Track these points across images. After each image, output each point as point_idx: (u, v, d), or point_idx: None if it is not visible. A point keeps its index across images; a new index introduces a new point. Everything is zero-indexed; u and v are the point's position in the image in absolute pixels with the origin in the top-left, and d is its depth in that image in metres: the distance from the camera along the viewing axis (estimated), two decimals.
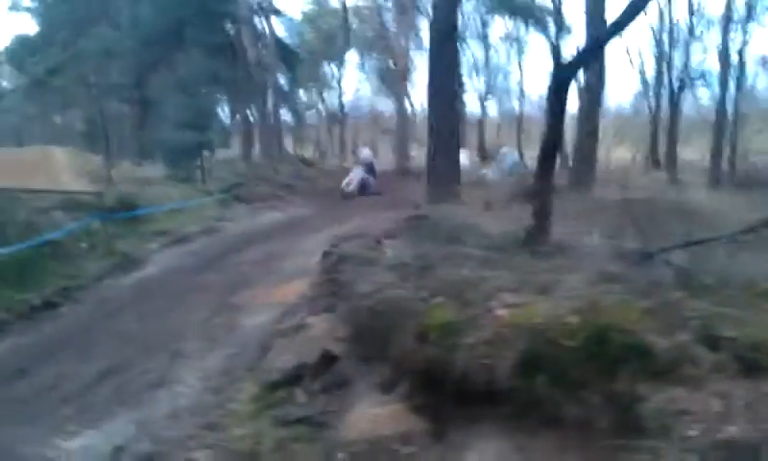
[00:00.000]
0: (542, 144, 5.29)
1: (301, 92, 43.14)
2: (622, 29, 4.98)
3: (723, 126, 22.27)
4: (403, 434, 3.59)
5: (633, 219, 4.87)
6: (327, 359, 4.57)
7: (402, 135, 28.98)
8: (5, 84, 45.80)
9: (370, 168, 21.85)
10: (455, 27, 10.19)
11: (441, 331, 3.53)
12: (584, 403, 2.95)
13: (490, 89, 36.92)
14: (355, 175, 20.96)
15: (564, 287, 3.53)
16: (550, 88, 5.15)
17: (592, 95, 13.52)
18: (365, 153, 24.20)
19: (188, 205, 13.88)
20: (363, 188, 20.61)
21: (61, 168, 16.66)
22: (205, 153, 18.89)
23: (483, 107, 37.39)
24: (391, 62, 36.03)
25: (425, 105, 35.02)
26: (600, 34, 4.72)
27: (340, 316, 5.02)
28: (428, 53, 10.97)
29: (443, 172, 9.32)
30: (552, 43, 6.82)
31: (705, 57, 27.42)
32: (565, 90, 5.32)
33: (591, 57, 5.08)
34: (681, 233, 4.90)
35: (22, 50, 34.09)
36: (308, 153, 39.91)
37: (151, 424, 4.50)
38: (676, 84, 27.57)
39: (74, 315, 7.54)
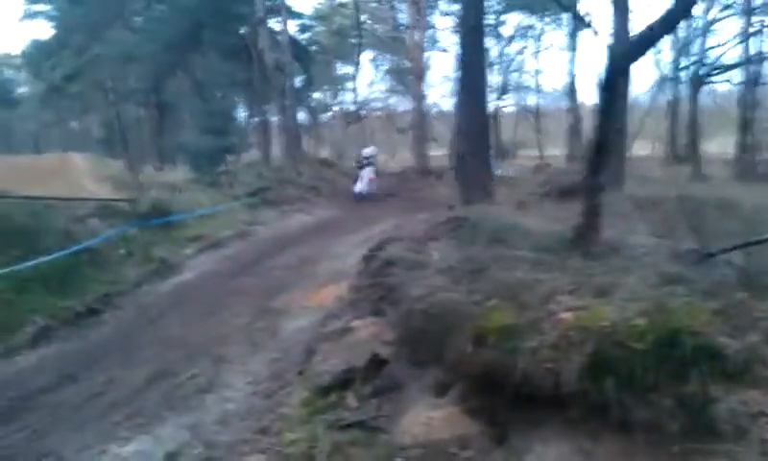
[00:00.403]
0: (593, 139, 5.23)
1: (317, 93, 43.37)
2: (679, 18, 4.88)
3: (747, 117, 21.98)
4: (460, 438, 3.60)
5: (686, 217, 4.83)
6: (377, 363, 4.57)
7: (420, 135, 28.93)
8: (22, 90, 46.39)
9: (370, 165, 21.42)
10: (482, 22, 10.09)
11: (500, 335, 3.53)
12: (653, 407, 2.95)
13: (505, 85, 36.82)
14: (366, 174, 20.73)
15: (625, 289, 3.53)
16: (602, 82, 5.09)
17: (619, 89, 13.33)
18: (365, 150, 23.26)
19: (218, 209, 13.97)
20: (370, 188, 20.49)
21: (82, 174, 16.80)
22: (230, 157, 18.95)
23: (498, 102, 37.35)
24: (405, 61, 36.10)
25: (441, 103, 35.32)
26: (654, 25, 4.61)
27: (389, 319, 5.03)
28: (458, 49, 10.88)
29: (473, 172, 9.24)
30: (600, 36, 6.63)
31: (723, 46, 26.98)
32: (618, 84, 5.29)
33: (646, 49, 4.97)
34: (729, 230, 4.85)
35: (38, 54, 34.40)
36: (325, 153, 40.02)
37: (202, 429, 4.56)
38: (695, 76, 27.31)
39: (116, 321, 7.65)
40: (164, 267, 9.67)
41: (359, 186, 20.20)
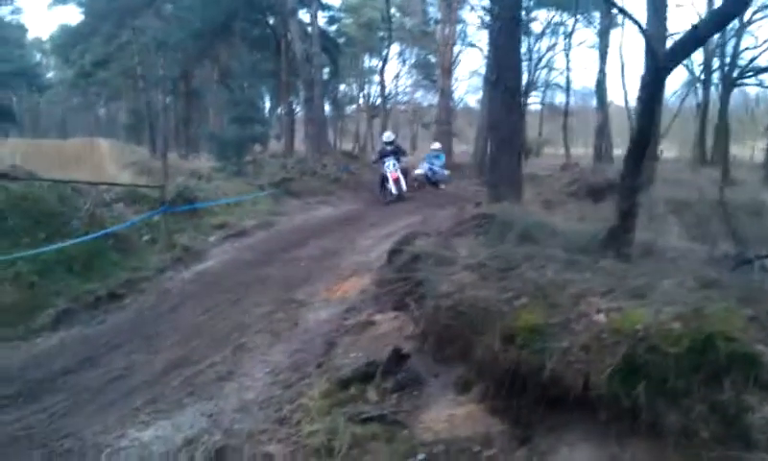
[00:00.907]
0: (633, 139, 5.13)
1: (342, 85, 43.53)
2: (728, 19, 4.75)
3: None
4: (483, 436, 3.55)
5: (719, 221, 4.72)
6: (398, 358, 4.51)
7: (445, 130, 28.79)
8: (50, 75, 47.17)
9: (396, 151, 18.11)
10: (520, 14, 9.83)
11: (529, 334, 3.47)
12: (686, 412, 2.87)
13: (532, 82, 36.56)
14: (392, 168, 17.42)
15: (660, 292, 3.44)
16: (644, 82, 4.99)
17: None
18: (384, 134, 20.33)
19: (243, 199, 14.01)
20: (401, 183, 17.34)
21: (107, 159, 17.03)
22: (257, 147, 18.99)
23: (525, 99, 37.09)
24: (432, 56, 36.04)
25: (467, 99, 35.30)
26: (700, 25, 4.47)
27: (412, 314, 4.98)
28: (490, 43, 10.69)
29: (503, 169, 9.05)
30: (645, 35, 6.37)
31: (757, 48, 26.54)
32: (661, 85, 5.18)
33: (692, 50, 4.85)
34: (763, 235, 4.75)
35: (67, 40, 34.90)
36: (348, 146, 40.13)
37: (221, 417, 4.52)
38: (727, 77, 26.98)
39: (138, 306, 7.64)
40: (188, 254, 9.66)
41: (393, 187, 17.12)
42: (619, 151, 26.17)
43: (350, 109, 47.27)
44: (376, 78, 40.95)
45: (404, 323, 5.21)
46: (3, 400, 5.08)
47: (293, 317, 6.67)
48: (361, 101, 46.69)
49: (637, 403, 2.96)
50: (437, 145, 22.93)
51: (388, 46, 34.47)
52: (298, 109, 31.58)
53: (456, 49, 32.54)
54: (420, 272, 5.11)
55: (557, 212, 7.64)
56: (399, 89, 45.03)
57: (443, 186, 19.93)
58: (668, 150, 31.42)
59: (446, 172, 20.73)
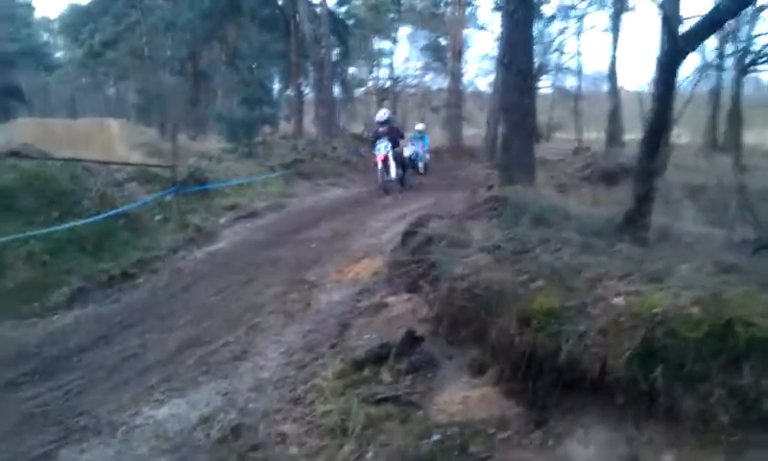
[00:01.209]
0: (649, 122, 5.09)
1: (352, 68, 43.29)
2: (745, 3, 4.68)
3: None
4: (498, 418, 3.55)
5: (736, 206, 4.69)
6: (412, 340, 4.52)
7: (456, 114, 28.68)
8: (59, 54, 47.12)
9: (391, 133, 15.39)
10: None
11: (545, 317, 3.46)
12: (704, 397, 2.87)
13: (543, 65, 36.26)
14: (382, 150, 15.00)
15: (678, 277, 3.43)
16: (661, 64, 4.95)
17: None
18: (379, 113, 17.09)
19: (253, 180, 14.04)
20: (403, 168, 15.63)
21: (117, 140, 17.00)
22: (267, 128, 18.95)
23: (536, 83, 36.81)
24: (443, 39, 35.80)
25: (477, 82, 35.15)
26: (722, 5, 4.42)
27: (426, 297, 4.99)
28: (502, 25, 10.59)
29: (516, 152, 8.98)
30: (665, 14, 6.31)
31: None
32: (678, 66, 5.13)
33: (711, 31, 4.81)
34: None
35: (76, 19, 34.81)
36: (358, 129, 40.01)
37: (236, 396, 4.54)
38: (740, 63, 26.68)
39: (151, 286, 7.69)
40: (200, 235, 9.72)
41: (381, 171, 14.97)
42: (630, 136, 26.04)
43: (360, 91, 46.97)
44: (386, 60, 40.72)
45: (418, 305, 5.21)
46: (20, 378, 5.13)
47: (305, 298, 6.68)
48: (370, 83, 46.40)
49: (655, 387, 2.96)
50: (420, 126, 22.45)
51: (397, 28, 34.24)
52: (307, 91, 31.49)
53: (467, 32, 32.36)
54: (433, 254, 5.11)
55: (570, 196, 7.61)
56: (409, 72, 44.73)
57: (421, 171, 19.75)
58: (680, 136, 31.21)
59: (427, 156, 20.61)
